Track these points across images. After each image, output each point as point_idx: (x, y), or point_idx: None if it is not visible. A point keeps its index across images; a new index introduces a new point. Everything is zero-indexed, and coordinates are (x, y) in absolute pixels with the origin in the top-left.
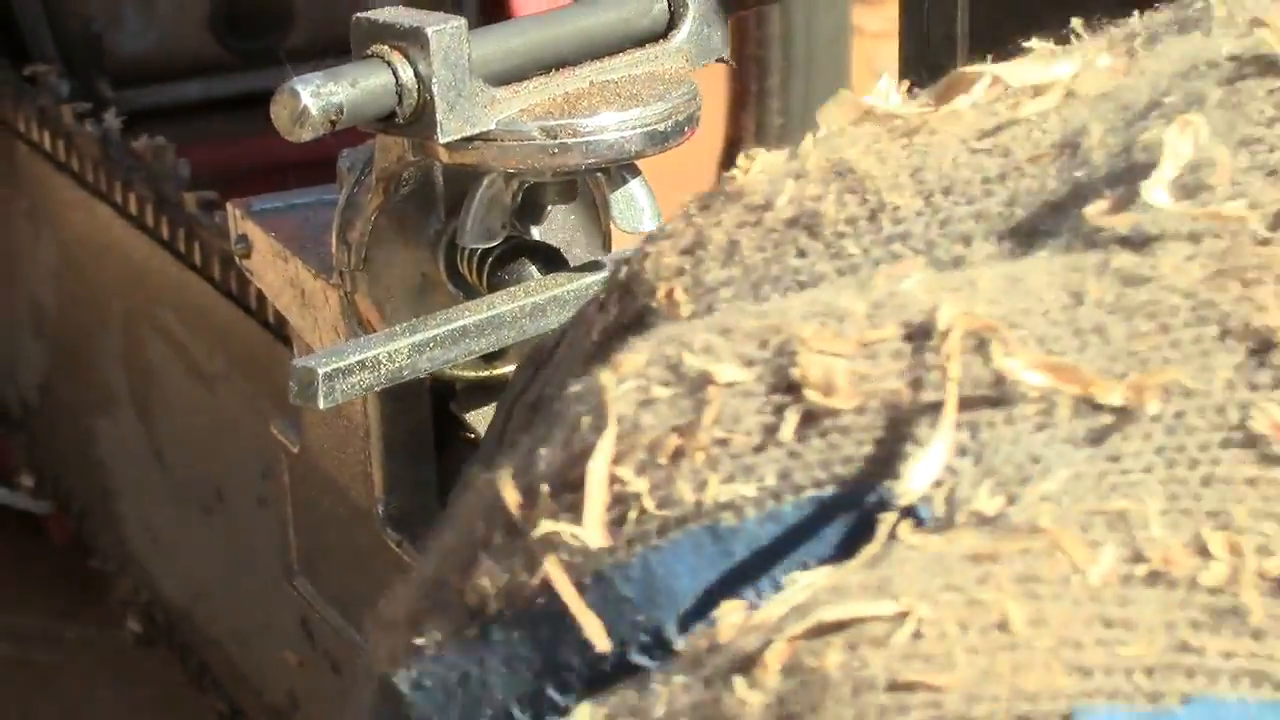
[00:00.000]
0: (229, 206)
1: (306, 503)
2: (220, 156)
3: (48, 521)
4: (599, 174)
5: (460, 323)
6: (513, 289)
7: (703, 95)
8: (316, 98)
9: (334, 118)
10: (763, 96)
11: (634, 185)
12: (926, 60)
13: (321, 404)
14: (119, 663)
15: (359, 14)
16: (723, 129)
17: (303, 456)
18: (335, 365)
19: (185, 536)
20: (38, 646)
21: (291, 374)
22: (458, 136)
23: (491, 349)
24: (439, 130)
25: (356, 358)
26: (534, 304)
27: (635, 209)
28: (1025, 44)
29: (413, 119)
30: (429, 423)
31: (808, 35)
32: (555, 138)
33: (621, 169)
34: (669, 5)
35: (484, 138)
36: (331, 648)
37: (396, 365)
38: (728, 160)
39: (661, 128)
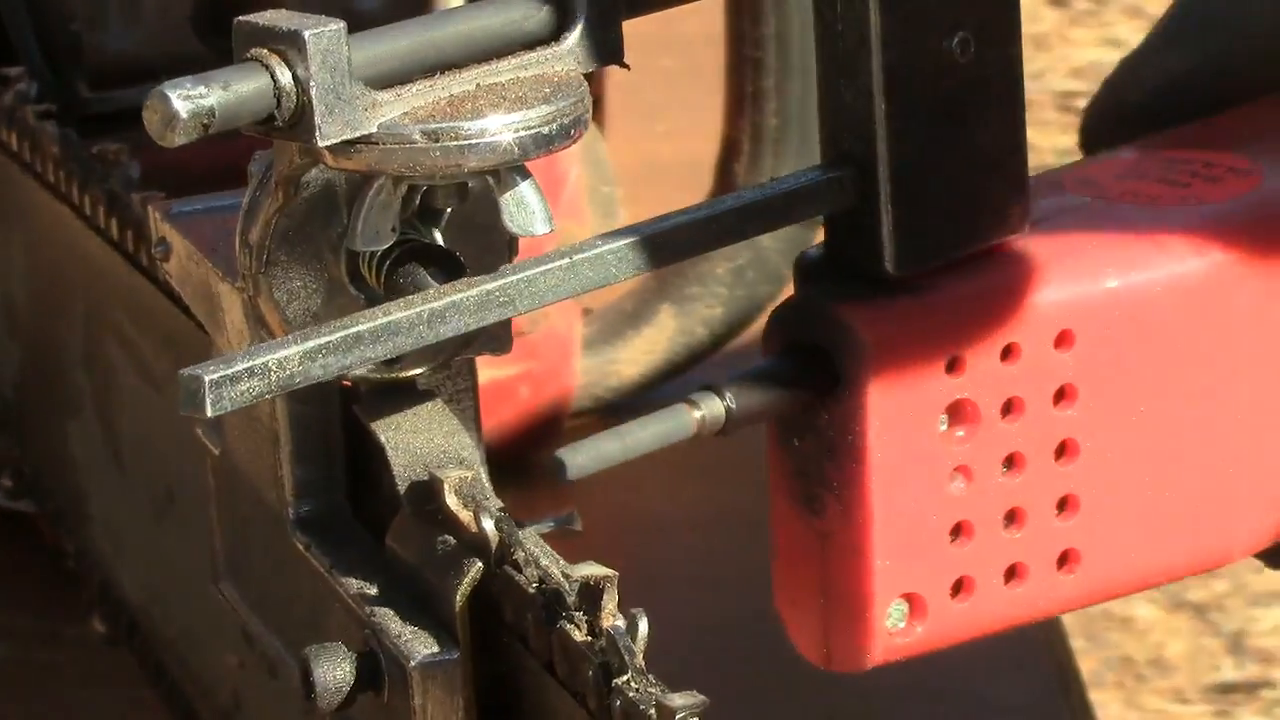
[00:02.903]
0: (150, 209)
1: (228, 506)
2: (202, 156)
3: (38, 521)
4: (489, 177)
5: (354, 329)
6: (410, 297)
7: (699, 97)
8: (187, 101)
9: (206, 121)
10: (758, 98)
11: (524, 188)
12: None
13: (209, 412)
14: (119, 662)
15: (240, 17)
16: (719, 131)
17: (223, 460)
18: (223, 373)
19: (142, 538)
20: (38, 646)
21: (178, 383)
22: (337, 140)
23: (388, 356)
24: (317, 134)
25: (245, 365)
26: (431, 311)
27: (526, 212)
28: None
29: (292, 122)
30: (338, 426)
31: (804, 37)
32: (438, 140)
33: (511, 171)
34: (560, 7)
35: (366, 141)
36: (267, 650)
37: (287, 373)
38: (724, 161)
39: (547, 130)
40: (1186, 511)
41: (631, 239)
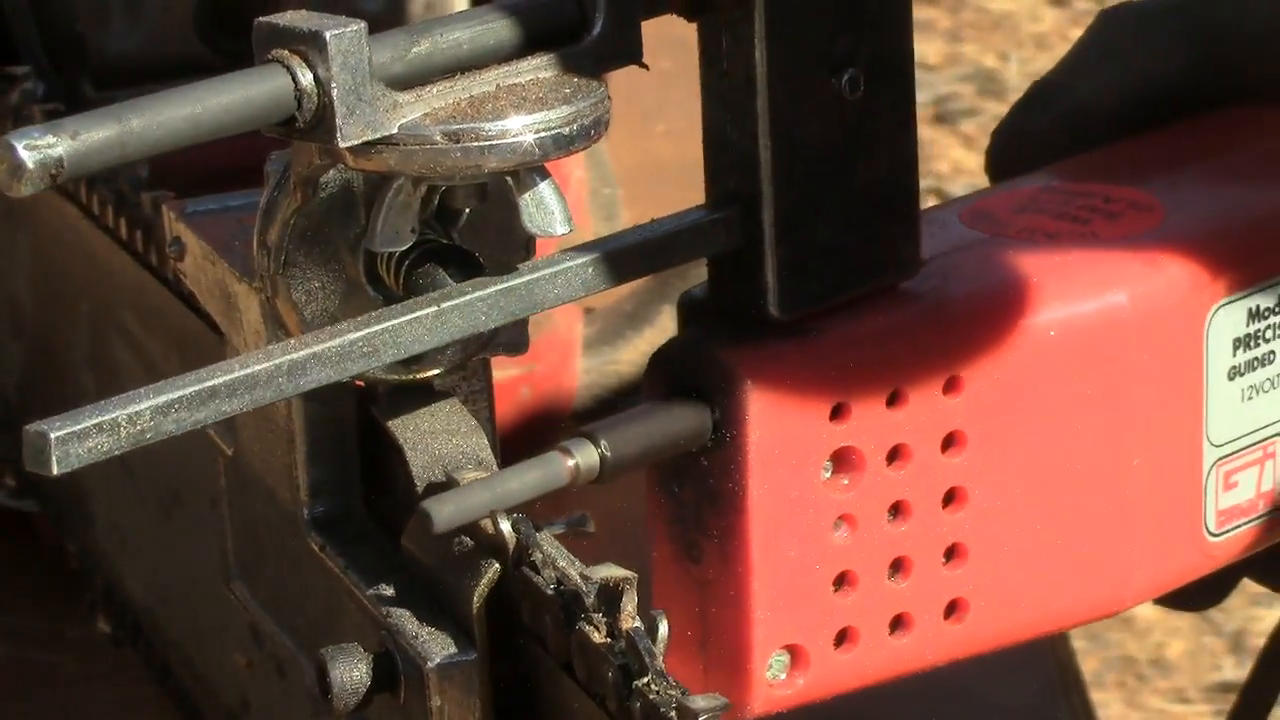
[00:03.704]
0: (164, 209)
1: (241, 506)
2: (206, 156)
3: (37, 521)
4: (508, 177)
5: (209, 383)
6: (271, 347)
7: (699, 98)
8: (33, 151)
9: (54, 171)
10: None
11: (543, 188)
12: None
13: (54, 470)
14: (119, 662)
15: (260, 18)
16: None
17: (236, 460)
18: (69, 429)
19: (147, 538)
20: (38, 646)
21: (24, 438)
22: (358, 141)
23: (246, 409)
24: (338, 135)
25: (93, 421)
26: (291, 362)
27: (545, 212)
28: None
29: (312, 123)
30: (353, 426)
31: None
32: (458, 141)
33: (531, 171)
34: (580, 8)
35: (387, 142)
36: (277, 651)
37: (138, 428)
38: None
39: (567, 131)
40: (1078, 559)
41: (502, 287)
